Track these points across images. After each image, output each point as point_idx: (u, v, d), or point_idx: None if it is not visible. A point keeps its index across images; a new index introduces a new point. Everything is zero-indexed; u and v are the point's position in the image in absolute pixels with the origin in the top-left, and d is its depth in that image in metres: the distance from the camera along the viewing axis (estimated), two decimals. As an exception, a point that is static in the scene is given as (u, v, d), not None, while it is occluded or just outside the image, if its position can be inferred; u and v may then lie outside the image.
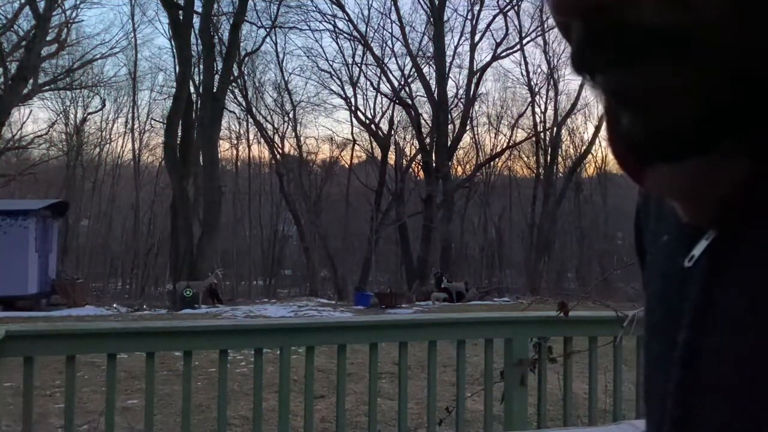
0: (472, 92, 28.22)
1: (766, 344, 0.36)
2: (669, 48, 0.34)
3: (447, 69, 27.82)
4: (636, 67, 0.35)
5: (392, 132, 28.83)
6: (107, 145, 33.66)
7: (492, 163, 31.25)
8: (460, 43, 29.27)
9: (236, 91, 27.96)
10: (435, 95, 26.98)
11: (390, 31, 29.36)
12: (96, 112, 32.06)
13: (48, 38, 23.42)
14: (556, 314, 3.37)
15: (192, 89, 23.26)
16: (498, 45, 28.50)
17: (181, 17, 21.44)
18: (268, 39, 28.48)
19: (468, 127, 29.50)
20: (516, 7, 28.14)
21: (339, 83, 29.41)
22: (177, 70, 22.80)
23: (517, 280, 29.96)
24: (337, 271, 26.59)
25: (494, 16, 28.52)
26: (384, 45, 28.61)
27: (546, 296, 16.04)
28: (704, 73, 0.34)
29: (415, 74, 27.53)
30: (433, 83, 27.11)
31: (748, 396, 0.37)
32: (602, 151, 32.73)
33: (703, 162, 0.37)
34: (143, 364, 3.21)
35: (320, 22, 29.45)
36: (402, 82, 28.37)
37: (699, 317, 0.42)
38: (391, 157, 28.49)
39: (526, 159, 32.24)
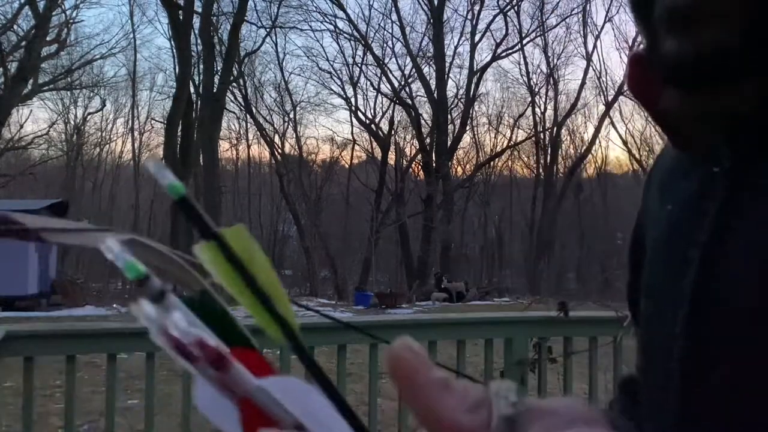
0: (472, 92, 28.24)
1: None
2: None
3: (447, 69, 27.85)
4: None
5: (392, 132, 28.84)
6: (107, 145, 33.71)
7: (492, 163, 31.27)
8: (460, 43, 29.27)
9: (236, 91, 27.98)
10: (435, 95, 26.98)
11: (390, 31, 29.37)
12: (96, 112, 32.10)
13: (48, 38, 23.43)
14: (556, 314, 3.37)
15: (192, 89, 23.27)
16: (498, 45, 28.54)
17: (181, 17, 21.44)
18: (268, 39, 28.49)
19: (468, 127, 29.54)
20: (516, 8, 28.18)
21: (339, 83, 29.45)
22: (177, 70, 22.81)
23: (517, 280, 29.97)
24: (337, 271, 26.59)
25: (494, 16, 28.56)
26: (384, 45, 28.65)
27: (546, 296, 16.06)
28: None
29: (415, 74, 27.54)
30: (433, 83, 27.12)
31: (761, 321, 0.38)
32: (602, 151, 32.79)
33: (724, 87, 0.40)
34: (143, 365, 3.21)
35: (321, 22, 29.47)
36: (402, 82, 28.39)
37: (714, 247, 0.43)
38: (391, 157, 28.51)
39: (526, 159, 32.28)
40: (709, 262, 0.43)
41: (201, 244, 0.28)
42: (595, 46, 30.65)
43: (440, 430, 0.27)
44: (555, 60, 29.70)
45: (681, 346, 0.44)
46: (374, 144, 29.70)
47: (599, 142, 31.34)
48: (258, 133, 30.27)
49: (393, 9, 27.67)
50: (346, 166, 32.90)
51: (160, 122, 29.02)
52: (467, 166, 31.80)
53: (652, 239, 0.52)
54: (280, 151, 30.40)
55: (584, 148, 30.49)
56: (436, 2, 27.19)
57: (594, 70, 28.76)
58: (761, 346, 0.38)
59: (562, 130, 30.42)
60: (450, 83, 28.57)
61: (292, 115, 30.48)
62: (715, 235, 0.43)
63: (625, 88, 0.50)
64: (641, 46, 0.47)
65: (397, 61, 29.32)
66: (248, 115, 29.98)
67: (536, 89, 30.18)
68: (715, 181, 0.44)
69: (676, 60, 0.41)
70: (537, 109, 30.16)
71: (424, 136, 27.43)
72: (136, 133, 32.52)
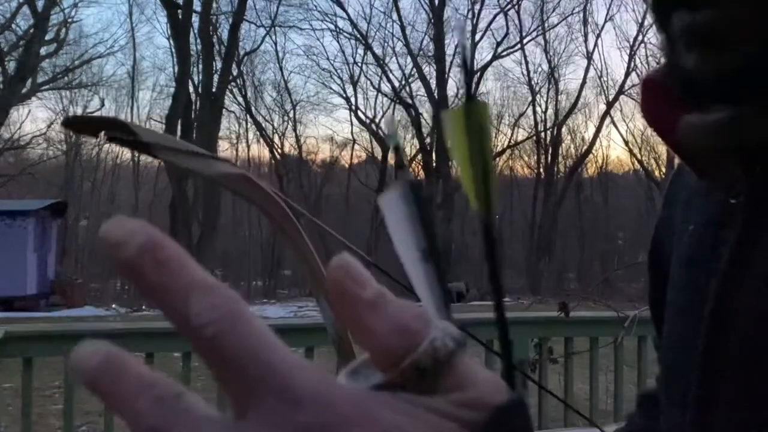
0: (472, 92, 28.21)
1: None
2: None
3: (447, 68, 27.83)
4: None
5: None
6: (106, 145, 33.66)
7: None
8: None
9: (236, 90, 27.97)
10: (435, 95, 26.97)
11: (391, 30, 29.36)
12: (95, 111, 32.05)
13: (47, 37, 23.42)
14: (556, 315, 3.37)
15: (191, 89, 23.26)
16: (498, 44, 28.51)
17: (180, 16, 21.42)
18: (267, 38, 28.47)
19: (468, 127, 29.48)
20: (516, 6, 28.16)
21: (339, 82, 29.43)
22: (176, 70, 22.79)
23: (518, 280, 29.95)
24: (337, 271, 26.55)
25: (495, 15, 28.53)
26: (385, 44, 28.63)
27: (547, 297, 16.02)
28: None
29: (416, 74, 27.53)
30: (433, 83, 27.11)
31: None
32: (603, 151, 32.76)
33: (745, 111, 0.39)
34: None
35: (321, 21, 29.48)
36: (402, 82, 28.38)
37: (730, 280, 0.43)
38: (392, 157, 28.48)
39: (526, 158, 32.26)
40: (727, 295, 0.43)
41: (450, 109, 0.29)
42: (596, 45, 30.54)
43: (368, 350, 0.26)
44: (556, 59, 29.69)
45: (697, 379, 0.44)
46: (374, 144, 29.72)
47: (600, 141, 31.33)
48: (257, 132, 30.29)
49: (393, 8, 27.69)
50: (346, 165, 32.91)
51: (160, 122, 29.00)
52: (467, 166, 31.78)
53: (677, 256, 0.52)
54: (279, 150, 30.41)
55: (585, 147, 30.48)
56: (436, 1, 27.18)
57: (595, 69, 28.79)
58: None
59: (563, 130, 30.43)
60: (450, 83, 28.58)
61: (291, 115, 30.50)
62: (732, 267, 0.43)
63: (639, 111, 0.48)
64: (655, 69, 0.45)
65: (397, 60, 29.32)
66: (248, 115, 29.99)
67: (537, 88, 30.16)
68: (733, 212, 0.44)
69: (695, 77, 0.40)
70: (538, 109, 30.15)
71: (424, 135, 27.43)
72: (135, 133, 32.45)
